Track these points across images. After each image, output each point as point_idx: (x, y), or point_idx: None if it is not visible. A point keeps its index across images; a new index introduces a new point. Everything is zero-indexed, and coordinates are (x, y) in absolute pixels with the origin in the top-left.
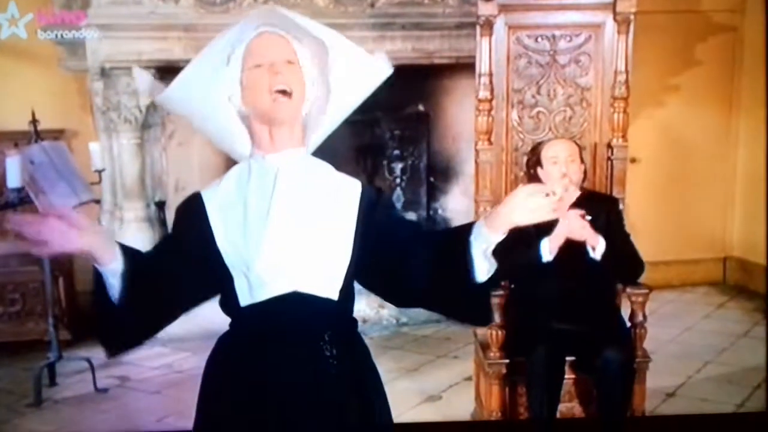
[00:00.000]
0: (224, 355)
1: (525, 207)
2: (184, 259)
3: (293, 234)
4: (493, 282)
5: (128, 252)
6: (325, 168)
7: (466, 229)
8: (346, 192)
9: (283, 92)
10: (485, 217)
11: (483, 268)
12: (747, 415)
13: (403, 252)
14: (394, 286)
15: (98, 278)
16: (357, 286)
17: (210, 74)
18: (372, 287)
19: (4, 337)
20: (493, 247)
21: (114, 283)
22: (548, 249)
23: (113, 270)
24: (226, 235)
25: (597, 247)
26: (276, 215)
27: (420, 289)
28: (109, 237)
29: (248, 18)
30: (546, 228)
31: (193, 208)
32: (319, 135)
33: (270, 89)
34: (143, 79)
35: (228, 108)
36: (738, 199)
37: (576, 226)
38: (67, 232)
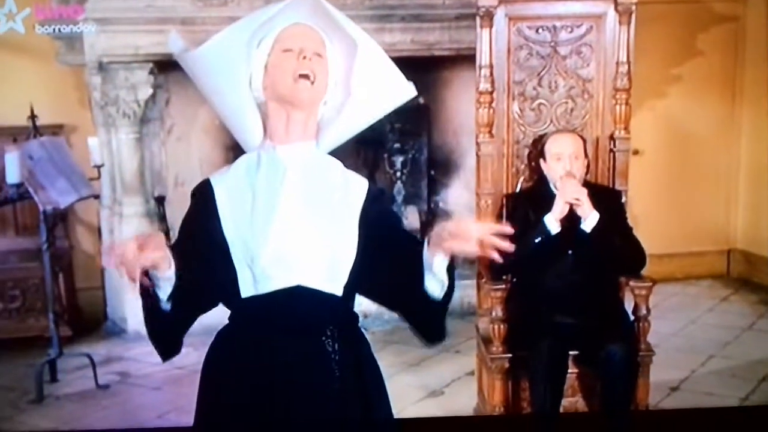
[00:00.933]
0: (224, 349)
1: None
2: (200, 254)
3: (300, 228)
4: (445, 302)
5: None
6: (334, 164)
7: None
8: (353, 190)
9: (306, 76)
10: (429, 235)
11: (432, 283)
12: (751, 408)
13: (390, 257)
14: (376, 288)
15: (147, 290)
16: None
17: (237, 50)
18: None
19: (5, 333)
20: (438, 266)
21: (167, 289)
22: (553, 221)
23: (170, 276)
24: (233, 225)
25: (588, 219)
26: (284, 208)
27: (395, 295)
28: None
29: (287, 4)
30: (546, 208)
31: (203, 196)
32: (332, 140)
33: (294, 72)
34: (175, 41)
35: (247, 91)
36: (741, 190)
37: (570, 190)
38: (144, 254)
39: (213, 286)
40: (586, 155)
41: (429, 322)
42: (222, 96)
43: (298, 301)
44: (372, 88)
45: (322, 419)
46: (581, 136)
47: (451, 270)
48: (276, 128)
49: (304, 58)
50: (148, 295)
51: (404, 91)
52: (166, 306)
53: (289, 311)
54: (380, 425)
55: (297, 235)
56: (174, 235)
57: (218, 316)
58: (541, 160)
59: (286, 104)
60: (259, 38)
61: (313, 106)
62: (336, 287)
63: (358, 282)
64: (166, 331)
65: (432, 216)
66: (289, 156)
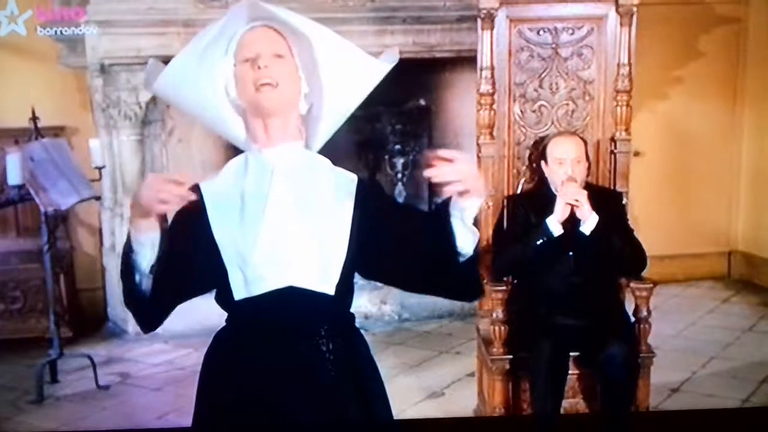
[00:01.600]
0: (221, 351)
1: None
2: (183, 253)
3: (289, 228)
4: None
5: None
6: (323, 162)
7: (447, 202)
8: (343, 187)
9: (268, 84)
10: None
11: (464, 237)
12: (752, 410)
13: (398, 237)
14: (396, 272)
15: (129, 252)
16: (358, 280)
17: (202, 63)
18: (377, 277)
19: (6, 334)
20: (469, 213)
21: (148, 253)
22: (554, 223)
23: (152, 238)
24: (223, 228)
25: (588, 221)
26: (272, 209)
27: (418, 271)
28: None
29: (234, 11)
30: (547, 211)
31: (192, 202)
32: (321, 132)
33: (255, 82)
34: (152, 69)
35: (224, 99)
36: (743, 192)
37: (570, 192)
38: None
39: (194, 281)
40: (587, 158)
41: (467, 280)
42: (202, 110)
43: (290, 301)
44: (343, 75)
45: (318, 419)
46: (582, 139)
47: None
48: (257, 133)
49: (259, 67)
50: (130, 253)
51: (377, 68)
52: (146, 278)
53: (281, 312)
54: (379, 425)
55: (287, 235)
56: None
57: (220, 317)
58: (543, 163)
59: (259, 114)
60: (224, 47)
61: (287, 110)
62: (328, 287)
63: (371, 272)
64: (142, 302)
65: None
66: (276, 158)
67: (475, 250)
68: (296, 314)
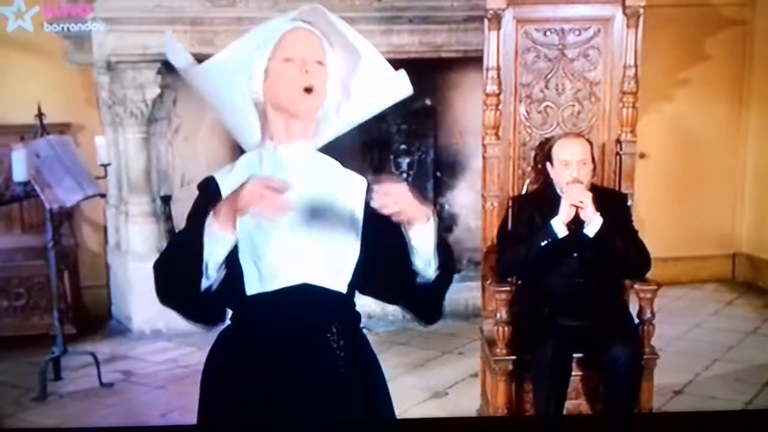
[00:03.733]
0: (226, 349)
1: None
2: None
3: (304, 226)
4: (444, 279)
5: None
6: (333, 163)
7: None
8: (354, 188)
9: (309, 90)
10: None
11: (421, 261)
12: (755, 412)
13: (392, 246)
14: (380, 281)
15: (194, 251)
16: None
17: (241, 62)
18: (371, 288)
19: (9, 331)
20: (418, 242)
21: (219, 254)
22: (559, 225)
23: (229, 240)
24: (239, 223)
25: (591, 223)
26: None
27: (387, 288)
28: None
29: (290, 12)
30: (552, 212)
31: (210, 192)
32: (329, 135)
33: (297, 85)
34: (173, 48)
35: (246, 94)
36: (747, 194)
37: (575, 193)
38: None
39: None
40: (593, 160)
41: (423, 302)
42: (223, 104)
43: (304, 298)
44: (371, 90)
45: (326, 416)
46: (588, 140)
47: (444, 251)
48: (276, 130)
49: (307, 71)
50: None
51: (401, 87)
52: (206, 277)
53: (295, 308)
54: (383, 424)
55: (302, 232)
56: None
57: None
58: (548, 164)
59: (285, 114)
60: (261, 41)
61: (314, 115)
62: (341, 284)
63: (363, 280)
64: (202, 300)
65: (438, 218)
66: (291, 155)
67: (440, 276)
68: (309, 311)
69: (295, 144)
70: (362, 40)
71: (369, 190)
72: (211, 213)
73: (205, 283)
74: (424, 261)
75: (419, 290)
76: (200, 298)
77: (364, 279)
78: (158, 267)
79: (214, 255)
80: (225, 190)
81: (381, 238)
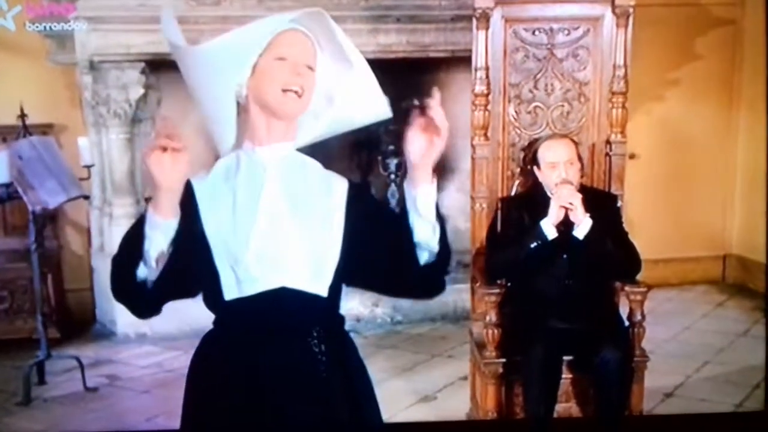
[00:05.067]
0: (210, 353)
1: (420, 145)
2: (177, 250)
3: (282, 228)
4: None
5: None
6: (313, 165)
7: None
8: (334, 189)
9: (296, 92)
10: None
11: (421, 228)
12: (746, 414)
13: (381, 242)
14: (370, 275)
15: (136, 237)
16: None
17: (234, 53)
18: (352, 281)
19: None
20: (422, 202)
21: (160, 242)
22: (549, 227)
23: (169, 225)
24: (215, 227)
25: (581, 225)
26: (265, 209)
27: (388, 273)
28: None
29: (292, 12)
30: (541, 213)
31: (185, 196)
32: (303, 140)
33: (285, 85)
34: (169, 23)
35: (232, 89)
36: (738, 195)
37: (564, 194)
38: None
39: (189, 278)
40: (579, 159)
41: (426, 275)
42: (208, 90)
43: (283, 302)
44: (354, 103)
45: (309, 421)
46: (573, 140)
47: (441, 221)
48: (257, 130)
49: (298, 74)
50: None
51: (380, 109)
52: (149, 267)
53: (274, 313)
54: (368, 428)
55: (280, 235)
56: None
57: (209, 319)
58: (535, 168)
59: (269, 113)
60: (253, 37)
61: (297, 117)
62: (321, 288)
63: (353, 274)
64: (141, 292)
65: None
66: (269, 156)
67: (442, 246)
68: (288, 315)
69: (275, 145)
70: (357, 53)
71: (350, 190)
72: (150, 203)
73: (144, 272)
74: (428, 228)
75: (422, 270)
76: (139, 287)
77: (354, 274)
78: (112, 260)
79: (155, 242)
80: (200, 194)
81: (368, 233)
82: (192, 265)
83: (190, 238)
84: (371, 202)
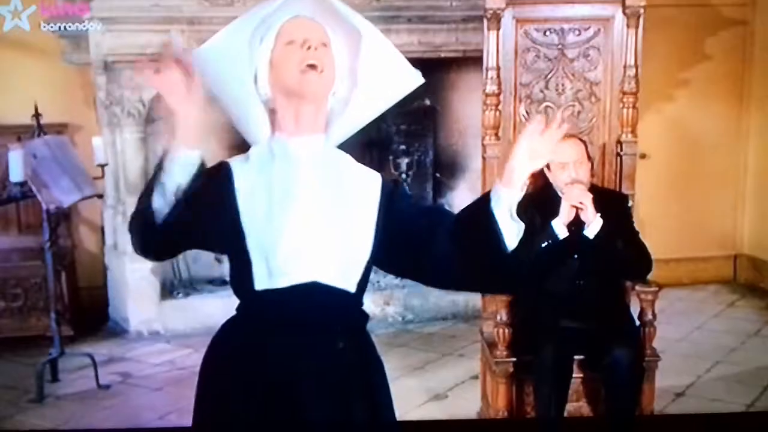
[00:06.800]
0: (231, 339)
1: (532, 150)
2: (201, 214)
3: (316, 223)
4: (524, 244)
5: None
6: (345, 158)
7: (485, 200)
8: (367, 184)
9: (313, 67)
10: (499, 180)
11: (510, 231)
12: (757, 414)
13: (428, 237)
14: (426, 270)
15: (157, 172)
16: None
17: (239, 48)
18: (403, 273)
19: (6, 332)
20: (515, 206)
21: (176, 174)
22: (560, 226)
23: (186, 157)
24: (250, 216)
25: (591, 225)
26: (299, 203)
27: (452, 270)
28: (200, 125)
29: (286, 1)
30: (552, 213)
31: (222, 176)
32: (341, 132)
33: (301, 63)
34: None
35: (252, 88)
36: (749, 195)
37: (575, 194)
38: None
39: (208, 239)
40: (589, 159)
41: (512, 271)
42: (226, 93)
43: (312, 297)
44: (379, 78)
45: (326, 416)
46: (581, 139)
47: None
48: (285, 122)
49: (309, 48)
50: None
51: (411, 78)
52: (164, 202)
53: (303, 307)
54: (384, 426)
55: (314, 230)
56: None
57: (221, 317)
58: (545, 167)
59: (294, 97)
60: (261, 35)
61: (323, 98)
62: (350, 284)
63: (410, 269)
64: (150, 225)
65: None
66: (301, 149)
67: (521, 240)
68: (316, 309)
69: (306, 137)
70: (364, 21)
71: (384, 186)
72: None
73: (160, 203)
74: (509, 228)
75: (508, 257)
76: (151, 216)
77: (415, 269)
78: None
79: (171, 175)
80: (240, 181)
81: (404, 229)
82: (215, 230)
83: (223, 216)
84: (407, 197)
